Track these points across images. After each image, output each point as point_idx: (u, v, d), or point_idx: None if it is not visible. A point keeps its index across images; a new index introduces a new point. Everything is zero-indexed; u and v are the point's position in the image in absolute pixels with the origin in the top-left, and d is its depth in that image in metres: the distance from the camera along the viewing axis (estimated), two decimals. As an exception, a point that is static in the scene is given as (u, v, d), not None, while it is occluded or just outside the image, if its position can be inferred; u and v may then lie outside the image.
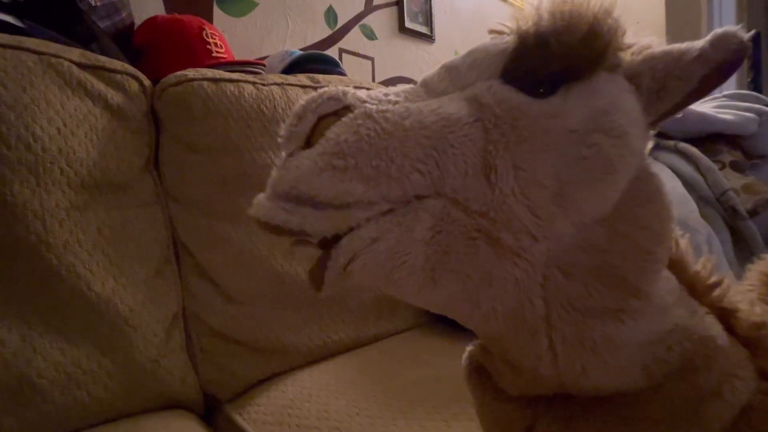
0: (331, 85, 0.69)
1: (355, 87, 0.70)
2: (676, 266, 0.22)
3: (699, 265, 0.23)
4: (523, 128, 0.19)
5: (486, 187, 0.18)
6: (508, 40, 0.20)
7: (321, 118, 0.18)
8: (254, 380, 0.56)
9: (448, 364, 0.53)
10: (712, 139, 0.75)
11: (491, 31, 0.22)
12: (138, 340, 0.47)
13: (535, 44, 0.19)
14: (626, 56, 0.21)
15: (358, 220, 0.18)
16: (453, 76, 0.21)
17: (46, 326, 0.43)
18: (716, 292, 0.22)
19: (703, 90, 0.20)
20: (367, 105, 0.19)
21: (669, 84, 0.20)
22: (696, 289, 0.22)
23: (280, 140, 0.19)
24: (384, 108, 0.19)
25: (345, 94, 0.19)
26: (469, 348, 0.26)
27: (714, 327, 0.21)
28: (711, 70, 0.19)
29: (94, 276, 0.45)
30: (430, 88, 0.21)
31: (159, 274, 0.53)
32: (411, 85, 0.21)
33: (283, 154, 0.19)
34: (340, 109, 0.18)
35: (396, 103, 0.19)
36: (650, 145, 0.22)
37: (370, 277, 0.19)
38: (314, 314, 0.59)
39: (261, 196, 0.19)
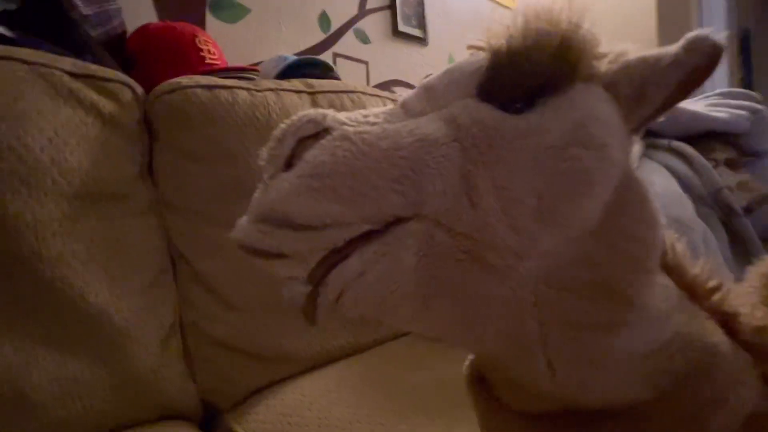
0: (326, 89, 0.69)
1: (348, 91, 0.70)
2: (674, 271, 0.22)
3: (697, 268, 0.23)
4: (500, 147, 0.19)
5: (468, 208, 0.18)
6: (482, 57, 0.21)
7: (300, 141, 0.19)
8: (254, 388, 0.55)
9: (450, 368, 0.52)
10: (706, 137, 0.75)
11: (470, 47, 0.23)
12: (135, 350, 0.47)
13: (508, 62, 0.19)
14: (602, 65, 0.21)
15: (335, 241, 0.18)
16: (431, 96, 0.21)
17: (40, 339, 0.42)
18: (716, 296, 0.22)
19: (681, 94, 0.20)
20: (346, 127, 0.19)
21: (646, 91, 0.20)
22: (695, 293, 0.22)
23: (260, 163, 0.19)
24: (362, 129, 0.19)
25: (324, 116, 0.19)
26: (470, 357, 0.26)
27: (716, 333, 0.21)
28: (686, 75, 0.19)
29: (88, 287, 0.45)
30: (408, 109, 0.21)
31: (155, 283, 0.52)
32: (391, 107, 0.22)
33: (264, 176, 0.19)
34: (320, 131, 0.19)
35: (374, 124, 0.19)
36: (636, 150, 0.22)
37: (362, 309, 0.19)
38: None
39: (242, 219, 0.19)
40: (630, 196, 0.20)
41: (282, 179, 0.18)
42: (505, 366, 0.22)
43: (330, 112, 0.19)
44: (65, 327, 0.43)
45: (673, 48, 0.19)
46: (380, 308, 0.19)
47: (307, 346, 0.58)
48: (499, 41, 0.20)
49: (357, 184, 0.18)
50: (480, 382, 0.25)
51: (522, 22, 0.19)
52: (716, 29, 0.19)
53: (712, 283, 0.22)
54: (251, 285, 0.56)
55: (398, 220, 0.19)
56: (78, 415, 0.42)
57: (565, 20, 0.19)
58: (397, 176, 0.18)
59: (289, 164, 0.18)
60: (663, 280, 0.21)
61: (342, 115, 0.19)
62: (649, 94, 0.20)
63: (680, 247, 0.23)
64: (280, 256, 0.18)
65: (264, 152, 0.19)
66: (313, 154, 0.18)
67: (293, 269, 0.18)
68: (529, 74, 0.19)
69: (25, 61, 0.46)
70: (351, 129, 0.19)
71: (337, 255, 0.18)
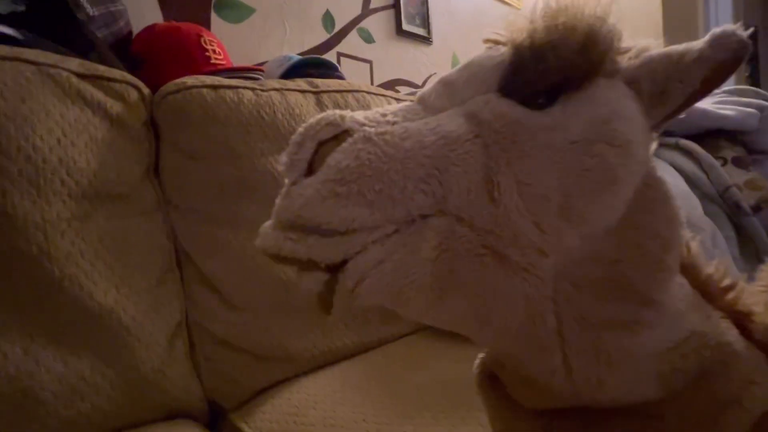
0: (330, 89, 0.69)
1: (353, 90, 0.70)
2: (688, 270, 0.22)
3: (711, 268, 0.22)
4: (523, 143, 0.19)
5: (490, 204, 0.18)
6: (503, 52, 0.20)
7: (321, 144, 0.19)
8: (259, 388, 0.56)
9: (454, 367, 0.52)
10: (713, 135, 0.74)
11: (486, 41, 0.22)
12: (141, 350, 0.47)
13: (532, 57, 0.19)
14: (624, 61, 0.20)
15: (364, 244, 0.18)
16: (450, 91, 0.21)
17: (48, 338, 0.43)
18: (730, 296, 0.22)
19: (704, 91, 0.20)
20: (366, 128, 0.19)
21: (669, 87, 0.20)
22: (709, 292, 0.22)
23: (281, 168, 0.19)
24: (383, 130, 0.19)
25: (343, 118, 0.19)
26: (480, 355, 0.26)
27: (730, 332, 0.21)
28: (711, 71, 0.19)
29: (96, 286, 0.45)
30: (427, 105, 0.21)
31: (161, 282, 0.52)
32: (408, 103, 0.21)
33: (286, 182, 0.19)
34: (340, 133, 0.19)
35: (394, 123, 0.19)
36: (653, 147, 0.21)
37: (378, 298, 0.19)
38: (318, 320, 0.59)
39: (266, 226, 0.19)
40: (652, 193, 0.20)
41: (306, 185, 0.18)
42: (519, 363, 0.22)
43: (348, 113, 0.19)
44: (73, 326, 0.44)
45: (698, 44, 0.19)
46: (396, 298, 0.19)
47: (312, 346, 0.58)
48: (522, 35, 0.19)
49: (384, 186, 0.18)
50: (491, 380, 0.25)
51: (546, 15, 0.19)
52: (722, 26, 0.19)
53: (725, 283, 0.22)
54: (256, 285, 0.56)
55: (421, 216, 0.19)
56: (85, 414, 0.43)
57: (591, 14, 0.19)
58: (423, 176, 0.18)
59: (310, 168, 0.18)
60: (678, 279, 0.21)
61: (360, 115, 0.19)
62: (672, 91, 0.20)
63: (694, 246, 0.23)
64: (309, 263, 0.18)
65: (283, 157, 0.19)
66: (337, 158, 0.18)
67: (315, 271, 0.18)
68: (553, 69, 0.19)
69: (32, 62, 0.46)
70: (372, 130, 0.18)
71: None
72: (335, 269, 0.18)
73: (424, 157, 0.18)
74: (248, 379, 0.55)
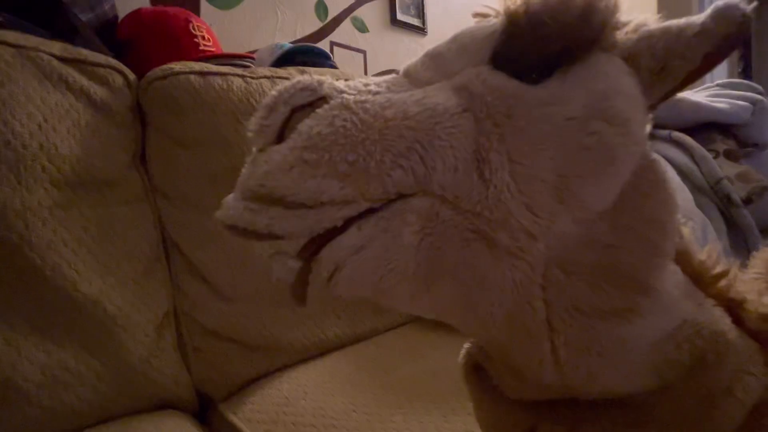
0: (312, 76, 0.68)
1: (346, 80, 0.69)
2: (680, 256, 0.21)
3: (704, 254, 0.22)
4: (518, 117, 0.17)
5: (479, 184, 0.17)
6: (496, 22, 0.19)
7: (294, 110, 0.17)
8: (248, 378, 0.55)
9: (445, 357, 0.52)
10: (706, 128, 0.75)
11: (476, 15, 0.21)
12: (127, 340, 0.46)
13: (528, 25, 0.18)
14: (621, 36, 0.19)
15: (333, 220, 0.16)
16: (438, 63, 0.20)
17: (30, 328, 0.42)
18: (722, 283, 0.21)
19: (705, 68, 0.19)
20: (345, 95, 0.17)
21: (669, 63, 0.19)
22: (701, 280, 0.21)
23: (249, 134, 0.18)
24: (363, 98, 0.17)
25: (321, 83, 0.17)
26: (466, 346, 0.25)
27: (723, 320, 0.20)
28: (714, 47, 0.18)
29: (80, 276, 0.44)
30: (413, 78, 0.20)
31: (148, 272, 0.51)
32: (393, 75, 0.20)
33: (254, 149, 0.17)
34: (316, 100, 0.17)
35: (377, 93, 0.18)
36: (648, 129, 0.21)
37: (357, 289, 0.17)
38: (309, 311, 0.59)
39: (228, 198, 0.17)
40: (647, 175, 0.19)
41: (273, 152, 0.16)
42: (506, 352, 0.21)
43: (327, 79, 0.18)
44: (56, 316, 0.43)
45: (700, 17, 0.18)
46: (377, 288, 0.18)
47: (302, 336, 0.58)
48: (517, 3, 0.18)
49: (358, 158, 0.16)
50: (477, 370, 0.24)
51: None
52: None
53: (718, 269, 0.21)
54: (245, 275, 0.55)
55: (400, 196, 0.17)
56: (69, 404, 0.42)
57: None
58: (402, 150, 0.17)
59: (281, 136, 0.17)
60: (671, 266, 0.20)
61: (340, 83, 0.18)
62: (673, 67, 0.19)
63: (686, 231, 0.22)
64: (270, 236, 0.16)
65: (253, 122, 0.18)
66: (309, 124, 0.16)
67: (279, 246, 0.17)
68: (550, 39, 0.18)
69: (12, 45, 0.45)
70: (351, 97, 0.17)
71: (333, 230, 0.17)
72: (309, 257, 0.17)
73: (405, 129, 0.17)
74: (238, 370, 0.55)
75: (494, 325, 0.19)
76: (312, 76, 0.18)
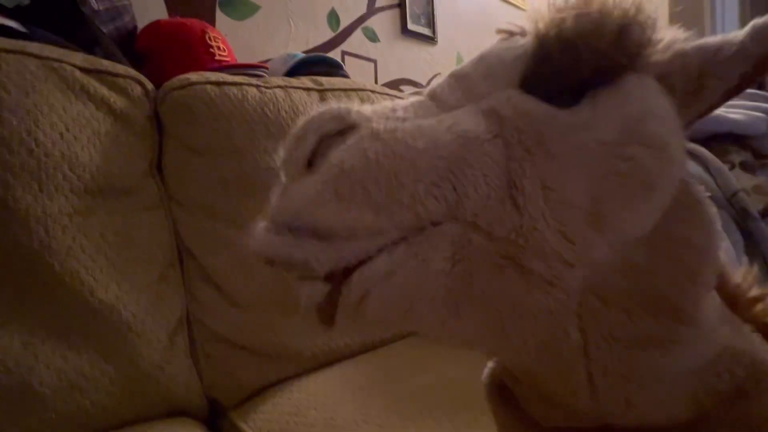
0: (335, 87, 0.68)
1: (357, 89, 0.69)
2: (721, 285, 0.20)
3: (739, 277, 0.21)
4: (549, 143, 0.17)
5: (512, 211, 0.17)
6: (524, 43, 0.19)
7: (322, 139, 0.17)
8: (259, 386, 0.55)
9: (457, 369, 0.52)
10: (721, 139, 0.74)
11: (500, 32, 0.21)
12: (141, 346, 0.47)
13: (559, 48, 0.17)
14: (653, 54, 0.19)
15: (368, 252, 0.16)
16: (465, 86, 0.19)
17: (48, 333, 0.42)
18: (758, 307, 0.20)
19: (741, 87, 0.18)
20: (374, 124, 0.17)
21: (705, 83, 0.18)
22: (737, 303, 0.20)
23: (278, 163, 0.18)
24: (392, 127, 0.17)
25: (348, 112, 0.17)
26: (490, 365, 0.24)
27: (762, 347, 0.19)
28: (751, 66, 0.17)
29: (97, 282, 0.45)
30: (440, 101, 0.19)
31: (163, 278, 0.52)
32: (419, 98, 0.20)
33: (283, 179, 0.17)
34: (345, 128, 0.17)
35: (405, 119, 0.18)
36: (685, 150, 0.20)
37: (386, 313, 0.17)
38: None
39: (260, 228, 0.17)
40: (686, 199, 0.19)
41: (305, 184, 0.16)
42: (540, 379, 0.20)
43: (354, 107, 0.18)
44: (73, 321, 0.43)
45: (737, 36, 0.17)
46: (407, 314, 0.17)
47: (312, 345, 0.58)
48: (548, 25, 0.18)
49: (392, 189, 0.16)
50: (502, 392, 0.23)
51: (576, 2, 0.17)
52: (729, 26, 0.18)
53: (753, 293, 0.21)
54: (258, 283, 0.56)
55: (432, 223, 0.17)
56: (84, 409, 0.42)
57: (627, 1, 0.17)
58: (435, 179, 0.16)
59: (309, 165, 0.17)
60: (712, 293, 0.20)
61: (367, 110, 0.18)
62: (708, 87, 0.18)
63: (721, 253, 0.21)
64: (306, 268, 0.16)
65: (281, 151, 0.18)
66: (341, 156, 0.16)
67: (314, 281, 0.17)
68: (584, 62, 0.17)
69: (37, 56, 0.46)
70: (380, 126, 0.17)
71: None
72: (337, 280, 0.17)
73: (437, 158, 0.16)
74: (248, 377, 0.55)
75: (527, 353, 0.19)
76: (339, 104, 0.18)
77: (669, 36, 0.19)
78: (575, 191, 0.17)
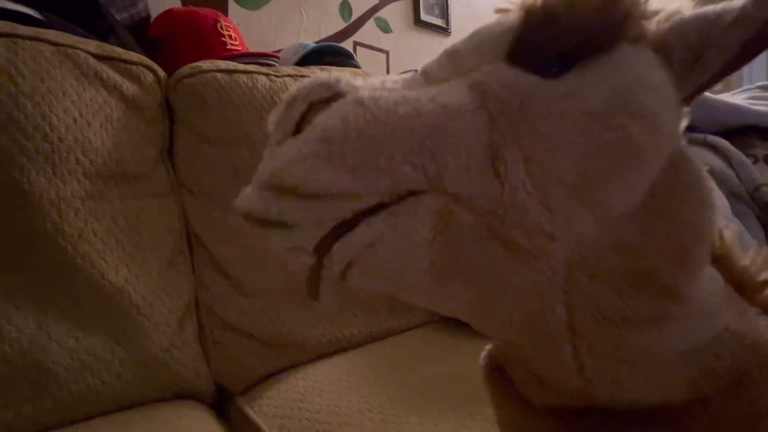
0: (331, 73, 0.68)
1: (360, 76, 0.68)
2: (722, 261, 0.20)
3: (747, 259, 0.20)
4: (533, 114, 0.17)
5: (493, 182, 0.17)
6: (513, 17, 0.18)
7: (312, 106, 0.17)
8: (266, 373, 0.56)
9: (463, 361, 0.51)
10: (745, 132, 0.71)
11: (497, 10, 0.20)
12: (150, 329, 0.47)
13: (543, 19, 0.17)
14: (652, 25, 0.18)
15: (342, 213, 0.16)
16: (455, 61, 0.19)
17: (61, 314, 0.43)
18: (767, 291, 0.20)
19: (745, 57, 0.17)
20: (360, 92, 0.17)
21: (705, 53, 0.17)
22: (744, 286, 0.20)
23: (269, 128, 0.18)
24: (377, 95, 0.17)
25: (338, 80, 0.17)
26: (488, 347, 0.24)
27: None
28: (755, 33, 0.16)
29: (108, 265, 0.45)
30: (430, 76, 0.19)
31: (172, 264, 0.53)
32: (411, 74, 0.20)
33: (272, 142, 0.18)
34: (332, 95, 0.17)
35: (392, 90, 0.18)
36: (684, 123, 0.20)
37: (371, 285, 0.17)
38: (325, 308, 0.59)
39: (247, 188, 0.18)
40: (681, 175, 0.18)
41: (288, 144, 0.17)
42: (527, 356, 0.20)
43: (344, 76, 0.18)
44: (85, 303, 0.44)
45: (738, 1, 0.17)
46: (391, 284, 0.18)
47: (319, 333, 0.58)
48: None
49: (369, 153, 0.16)
50: (498, 374, 0.23)
51: None
52: None
53: (763, 276, 0.20)
54: (266, 271, 0.56)
55: (411, 193, 0.17)
56: (95, 389, 0.43)
57: None
58: (414, 147, 0.16)
59: (298, 130, 0.17)
60: (710, 271, 0.19)
61: (358, 80, 0.18)
62: (708, 57, 0.17)
63: (728, 234, 0.20)
64: (281, 224, 0.17)
65: (272, 116, 0.18)
66: (323, 118, 0.17)
67: (294, 240, 0.17)
68: (568, 33, 0.17)
69: (52, 42, 0.47)
70: (365, 94, 0.17)
71: (343, 225, 0.17)
72: (320, 253, 0.17)
73: (417, 126, 0.17)
74: (255, 364, 0.55)
75: (513, 327, 0.19)
76: (330, 73, 0.18)
77: (670, 6, 0.18)
78: (558, 162, 0.17)
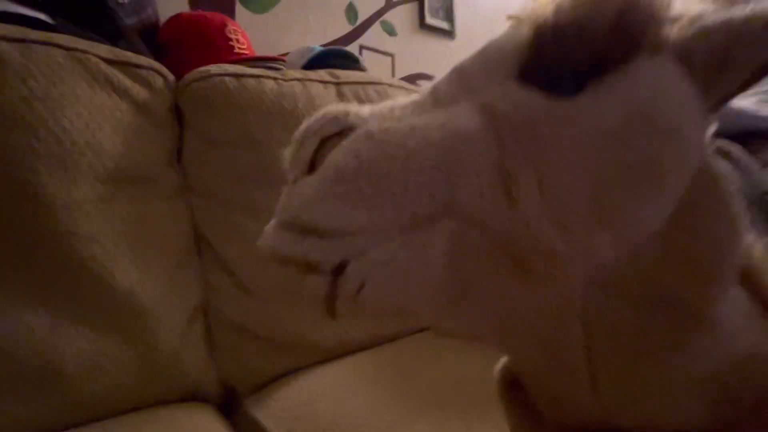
0: (352, 80, 0.68)
1: (374, 82, 0.68)
2: (748, 279, 0.19)
3: None
4: (547, 135, 0.16)
5: (506, 205, 0.16)
6: (524, 32, 0.18)
7: (323, 141, 0.17)
8: (273, 375, 0.56)
9: (469, 364, 0.51)
10: (752, 136, 0.71)
11: (510, 17, 0.20)
12: (159, 330, 0.48)
13: (554, 37, 0.17)
14: (673, 32, 0.17)
15: (365, 248, 0.17)
16: (463, 79, 0.19)
17: (72, 315, 0.44)
18: None
19: None
20: (369, 125, 0.17)
21: (732, 61, 0.16)
22: None
23: (285, 165, 0.18)
24: (386, 127, 0.17)
25: (347, 114, 0.17)
26: (504, 359, 0.24)
27: None
28: None
29: (117, 267, 0.46)
30: (438, 97, 0.19)
31: (180, 266, 0.53)
32: (419, 96, 0.20)
33: (288, 180, 0.18)
34: (343, 129, 0.17)
35: (401, 119, 0.18)
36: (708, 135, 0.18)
37: (383, 305, 0.17)
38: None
39: (269, 226, 0.18)
40: (707, 189, 0.17)
41: (304, 185, 0.17)
42: (543, 376, 0.20)
43: (353, 108, 0.18)
44: (95, 304, 0.45)
45: (766, 5, 0.16)
46: (403, 305, 0.17)
47: (327, 336, 0.58)
48: (544, 12, 0.17)
49: (383, 188, 0.16)
50: (513, 388, 0.23)
51: None
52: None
53: None
54: (274, 274, 0.56)
55: (428, 219, 0.17)
56: (106, 389, 0.44)
57: None
58: (427, 177, 0.16)
59: (312, 166, 0.17)
60: (735, 290, 0.18)
61: (366, 110, 0.18)
62: (736, 65, 0.17)
63: (758, 250, 0.19)
64: (307, 264, 0.17)
65: (287, 154, 0.18)
66: (335, 156, 0.17)
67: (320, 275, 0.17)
68: (580, 50, 0.16)
69: (64, 47, 0.47)
70: (374, 127, 0.17)
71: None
72: (336, 272, 0.17)
73: (429, 157, 0.17)
74: (262, 366, 0.56)
75: (528, 349, 0.18)
76: (338, 106, 0.18)
77: (692, 10, 0.17)
78: (574, 185, 0.16)
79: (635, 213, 0.16)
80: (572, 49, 0.17)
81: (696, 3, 0.18)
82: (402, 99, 0.19)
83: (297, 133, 0.18)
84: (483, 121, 0.17)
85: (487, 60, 0.19)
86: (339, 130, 0.17)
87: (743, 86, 0.18)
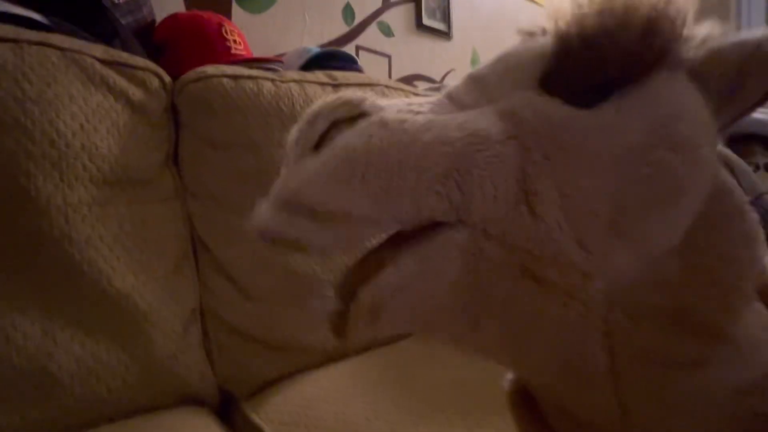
0: (349, 82, 0.68)
1: (372, 84, 0.68)
2: (763, 290, 0.19)
3: None
4: (568, 146, 0.16)
5: (526, 218, 0.16)
6: (544, 43, 0.18)
7: (334, 124, 0.17)
8: (271, 378, 0.56)
9: (469, 367, 0.51)
10: (746, 139, 0.71)
11: (521, 32, 0.20)
12: (156, 335, 0.47)
13: (582, 47, 0.16)
14: (687, 50, 0.17)
15: (361, 238, 0.16)
16: (482, 87, 0.19)
17: (67, 320, 0.43)
18: None
19: None
20: (385, 113, 0.17)
21: (744, 82, 0.17)
22: None
23: (288, 143, 0.18)
24: (403, 118, 0.17)
25: (363, 100, 0.17)
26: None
27: None
28: None
29: (114, 271, 0.45)
30: (456, 102, 0.19)
31: (177, 269, 0.53)
32: (437, 96, 0.19)
33: (290, 158, 0.17)
34: (357, 115, 0.17)
35: (419, 113, 0.17)
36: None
37: (400, 328, 0.17)
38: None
39: (262, 205, 0.17)
40: (722, 207, 0.17)
41: (308, 163, 0.16)
42: (565, 398, 0.19)
43: (369, 96, 0.17)
44: (91, 309, 0.44)
45: None
46: (420, 327, 0.17)
47: (325, 339, 0.58)
48: (569, 22, 0.17)
49: (391, 178, 0.16)
50: (524, 401, 0.22)
51: None
52: (756, 22, 0.17)
53: None
54: (271, 276, 0.56)
55: (436, 224, 0.16)
56: (101, 395, 0.43)
57: None
58: (439, 175, 0.16)
59: (318, 147, 0.17)
60: (756, 306, 0.18)
61: (383, 101, 0.18)
62: (748, 87, 0.17)
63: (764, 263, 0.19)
64: (297, 246, 0.16)
65: (293, 132, 0.17)
66: (345, 138, 0.16)
67: (324, 289, 0.17)
68: (609, 61, 0.16)
69: (58, 47, 0.47)
70: (390, 116, 0.16)
71: (369, 264, 0.16)
72: (346, 296, 0.16)
73: (443, 155, 0.16)
74: (260, 369, 0.55)
75: (550, 370, 0.18)
76: (355, 92, 0.17)
77: (704, 31, 0.18)
78: (595, 198, 0.16)
79: (653, 228, 0.16)
80: (599, 60, 0.16)
81: (702, 22, 0.18)
82: (418, 98, 0.19)
83: (307, 112, 0.17)
84: (504, 126, 0.17)
85: (506, 68, 0.18)
86: (352, 115, 0.17)
87: (753, 108, 0.18)
